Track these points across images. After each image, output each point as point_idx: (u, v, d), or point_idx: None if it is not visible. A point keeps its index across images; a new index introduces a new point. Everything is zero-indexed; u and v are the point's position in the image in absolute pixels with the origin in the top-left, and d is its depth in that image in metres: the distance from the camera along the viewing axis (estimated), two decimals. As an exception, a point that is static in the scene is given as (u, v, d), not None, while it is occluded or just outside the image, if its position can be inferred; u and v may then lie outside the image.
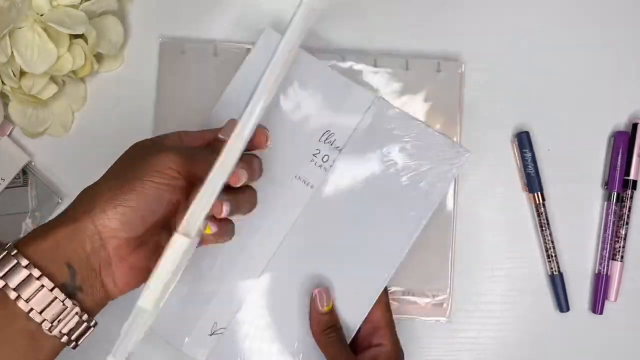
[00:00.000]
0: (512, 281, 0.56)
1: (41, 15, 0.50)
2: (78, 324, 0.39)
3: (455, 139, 0.55)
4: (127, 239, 0.39)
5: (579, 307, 0.56)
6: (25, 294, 0.37)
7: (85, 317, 0.39)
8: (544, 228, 0.55)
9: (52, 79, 0.53)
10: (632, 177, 0.55)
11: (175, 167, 0.40)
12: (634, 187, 0.55)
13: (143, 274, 0.40)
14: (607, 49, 0.57)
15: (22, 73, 0.51)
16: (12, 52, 0.49)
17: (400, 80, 0.55)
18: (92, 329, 0.40)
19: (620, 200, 0.55)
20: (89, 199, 0.39)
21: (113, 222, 0.39)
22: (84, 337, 0.40)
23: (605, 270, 0.55)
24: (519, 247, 0.56)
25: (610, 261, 0.55)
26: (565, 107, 0.57)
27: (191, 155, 0.41)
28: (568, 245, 0.56)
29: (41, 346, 0.38)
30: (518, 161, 0.56)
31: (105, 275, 0.40)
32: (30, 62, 0.50)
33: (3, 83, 0.52)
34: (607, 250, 0.55)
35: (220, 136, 0.44)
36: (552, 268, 0.55)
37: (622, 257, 0.55)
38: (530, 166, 0.55)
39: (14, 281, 0.36)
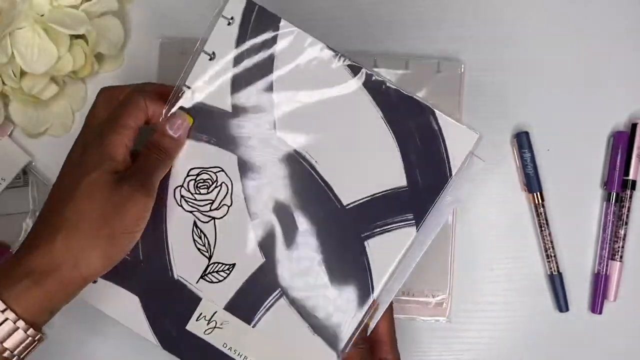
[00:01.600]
0: (511, 281, 0.56)
1: (42, 15, 0.51)
2: (26, 341, 0.40)
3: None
4: None
5: (579, 307, 0.56)
6: None
7: (31, 332, 0.40)
8: (543, 228, 0.55)
9: (53, 79, 0.53)
10: (631, 177, 0.55)
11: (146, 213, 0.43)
12: (633, 187, 0.56)
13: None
14: (606, 49, 0.57)
15: (23, 73, 0.51)
16: (12, 53, 0.50)
17: (399, 81, 0.55)
18: (37, 343, 0.41)
19: (619, 200, 0.56)
20: (75, 250, 0.40)
21: (98, 266, 0.41)
22: (29, 351, 0.41)
23: (604, 270, 0.55)
24: (518, 247, 0.56)
25: (610, 261, 0.55)
26: (564, 107, 0.57)
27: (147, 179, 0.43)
28: (567, 245, 0.56)
29: None
30: (517, 161, 0.56)
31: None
32: (30, 63, 0.50)
33: (4, 83, 0.52)
34: (607, 250, 0.55)
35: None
36: (551, 268, 0.55)
37: (621, 257, 0.55)
38: (529, 166, 0.55)
39: None
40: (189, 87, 0.45)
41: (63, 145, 0.55)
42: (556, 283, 0.55)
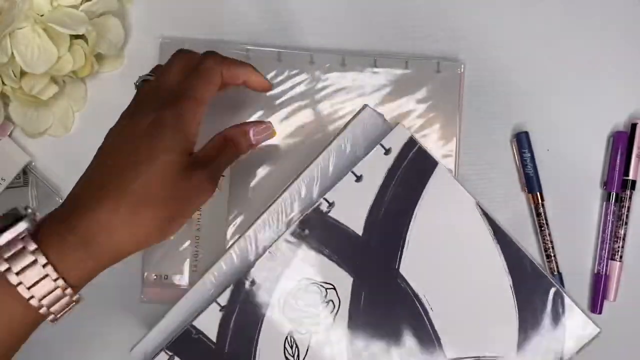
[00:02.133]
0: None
1: (41, 15, 0.51)
2: (62, 299, 0.38)
3: (454, 139, 0.55)
4: None
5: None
6: (16, 269, 0.36)
7: (69, 292, 0.38)
8: (543, 228, 0.55)
9: (53, 79, 0.53)
10: (631, 177, 0.55)
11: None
12: (633, 187, 0.56)
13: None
14: (606, 49, 0.57)
15: (23, 73, 0.51)
16: (12, 53, 0.49)
17: (399, 81, 0.55)
18: (75, 304, 0.40)
19: (619, 200, 0.56)
20: (134, 226, 0.39)
21: (147, 245, 0.41)
22: (65, 311, 0.39)
23: (604, 270, 0.55)
24: (518, 247, 0.56)
25: (609, 261, 0.55)
26: (564, 107, 0.57)
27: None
28: (567, 245, 0.56)
29: (25, 316, 0.37)
30: (517, 161, 0.56)
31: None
32: (30, 63, 0.50)
33: (4, 83, 0.52)
34: (606, 250, 0.55)
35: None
36: (551, 268, 0.55)
37: (621, 257, 0.55)
38: (529, 166, 0.55)
39: (17, 265, 0.36)
40: (329, 202, 0.44)
41: (63, 145, 0.56)
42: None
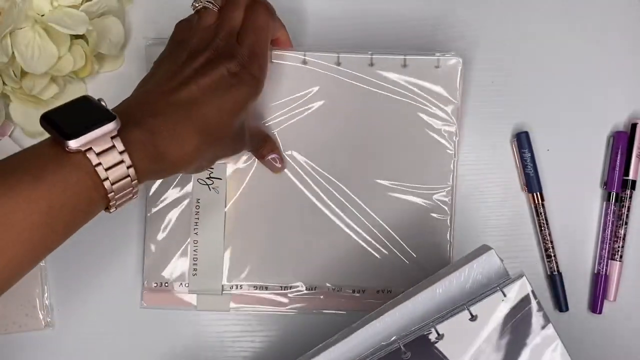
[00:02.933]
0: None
1: (42, 15, 0.51)
2: (126, 189, 0.40)
3: (454, 137, 0.55)
4: None
5: (578, 306, 0.56)
6: (97, 150, 0.37)
7: (135, 183, 0.40)
8: (543, 228, 0.55)
9: (53, 79, 0.53)
10: (631, 177, 0.55)
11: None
12: (633, 187, 0.56)
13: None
14: (606, 49, 0.57)
15: (23, 73, 0.51)
16: (13, 53, 0.50)
17: (398, 78, 0.55)
18: (133, 197, 0.41)
19: (619, 200, 0.56)
20: (202, 150, 0.43)
21: (202, 168, 0.47)
22: (123, 202, 0.40)
23: (604, 270, 0.55)
24: (518, 247, 0.56)
25: (610, 261, 0.55)
26: (564, 107, 0.57)
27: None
28: (567, 245, 0.56)
29: (93, 199, 0.38)
30: (517, 161, 0.56)
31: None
32: (31, 63, 0.50)
33: (4, 83, 0.52)
34: (606, 250, 0.55)
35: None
36: (551, 268, 0.55)
37: (621, 256, 0.55)
38: (529, 166, 0.55)
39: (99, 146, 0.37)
40: (439, 334, 0.44)
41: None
42: (556, 283, 0.55)
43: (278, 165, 0.54)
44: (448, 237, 0.55)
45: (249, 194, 0.55)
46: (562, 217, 0.56)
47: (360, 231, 0.54)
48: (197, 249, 0.54)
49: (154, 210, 0.55)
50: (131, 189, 0.39)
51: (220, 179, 0.54)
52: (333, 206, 0.55)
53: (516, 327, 0.45)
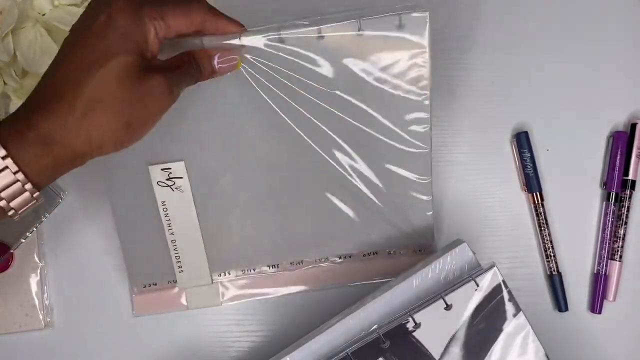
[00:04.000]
0: (511, 281, 0.55)
1: (43, 14, 0.51)
2: (22, 194, 0.38)
3: (426, 100, 0.48)
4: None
5: (578, 306, 0.56)
6: None
7: (29, 187, 0.38)
8: (542, 228, 0.55)
9: (54, 78, 0.53)
10: (630, 177, 0.56)
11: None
12: (633, 187, 0.56)
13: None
14: (606, 49, 0.57)
15: (24, 73, 0.51)
16: (14, 52, 0.50)
17: (354, 47, 0.46)
18: (36, 202, 0.39)
19: (619, 200, 0.56)
20: (91, 129, 0.39)
21: (109, 149, 0.40)
22: (25, 208, 0.39)
23: (603, 270, 0.55)
24: (518, 247, 0.56)
25: (609, 261, 0.56)
26: (564, 107, 0.57)
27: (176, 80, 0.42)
28: (567, 245, 0.56)
29: None
30: (517, 161, 0.56)
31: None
32: (32, 62, 0.50)
33: (5, 83, 0.52)
34: (606, 250, 0.56)
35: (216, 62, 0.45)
36: (551, 268, 0.55)
37: (620, 256, 0.55)
38: (529, 166, 0.55)
39: None
40: (416, 323, 0.46)
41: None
42: (556, 283, 0.55)
43: (232, 63, 0.46)
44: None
45: (214, 178, 0.52)
46: (562, 217, 0.56)
47: (341, 192, 0.52)
48: (176, 248, 0.53)
49: (123, 218, 0.53)
50: (29, 194, 0.38)
51: (182, 177, 0.51)
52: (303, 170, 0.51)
53: (489, 315, 0.47)
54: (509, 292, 0.47)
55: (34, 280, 0.55)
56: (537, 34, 0.57)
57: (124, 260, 0.53)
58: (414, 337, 0.46)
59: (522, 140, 0.55)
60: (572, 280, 0.56)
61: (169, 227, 0.52)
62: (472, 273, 0.47)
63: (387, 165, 0.50)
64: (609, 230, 0.56)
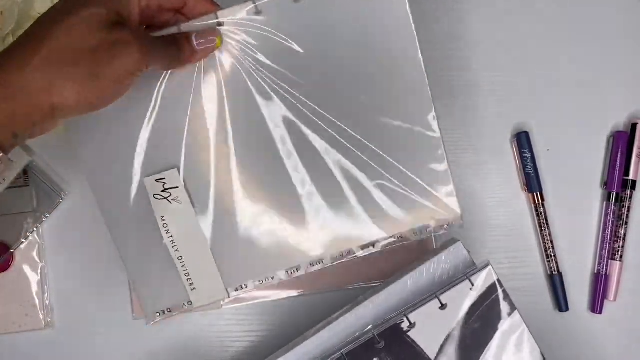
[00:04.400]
0: (511, 281, 0.56)
1: (43, 15, 0.51)
2: None
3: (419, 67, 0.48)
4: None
5: (578, 306, 0.56)
6: None
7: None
8: (543, 228, 0.55)
9: (54, 79, 0.53)
10: (631, 177, 0.55)
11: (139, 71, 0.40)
12: (633, 187, 0.56)
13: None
14: (606, 50, 0.57)
15: (24, 73, 0.51)
16: (14, 52, 0.50)
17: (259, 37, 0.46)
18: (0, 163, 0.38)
19: (619, 200, 0.56)
20: (50, 74, 0.37)
21: (71, 100, 0.38)
22: None
23: (604, 270, 0.55)
24: (518, 247, 0.56)
25: (610, 261, 0.56)
26: (564, 107, 0.57)
27: (153, 50, 0.41)
28: (567, 245, 0.56)
29: None
30: (517, 161, 0.56)
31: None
32: (32, 62, 0.50)
33: (5, 83, 0.52)
34: (607, 250, 0.55)
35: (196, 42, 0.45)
36: (551, 268, 0.55)
37: (621, 256, 0.55)
38: (529, 166, 0.55)
39: None
40: (410, 322, 0.46)
41: (64, 144, 0.56)
42: (556, 283, 0.55)
43: (211, 45, 0.45)
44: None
45: (213, 194, 0.49)
46: (562, 217, 0.56)
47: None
48: (184, 265, 0.49)
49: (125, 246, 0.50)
50: None
51: (177, 187, 0.48)
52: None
53: (484, 314, 0.47)
54: (504, 291, 0.47)
55: (34, 280, 0.55)
56: (538, 34, 0.57)
57: (132, 290, 0.54)
58: (409, 337, 0.46)
59: (522, 140, 0.55)
60: (573, 280, 0.56)
61: (173, 244, 0.49)
62: (466, 272, 0.47)
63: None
64: (609, 230, 0.55)
